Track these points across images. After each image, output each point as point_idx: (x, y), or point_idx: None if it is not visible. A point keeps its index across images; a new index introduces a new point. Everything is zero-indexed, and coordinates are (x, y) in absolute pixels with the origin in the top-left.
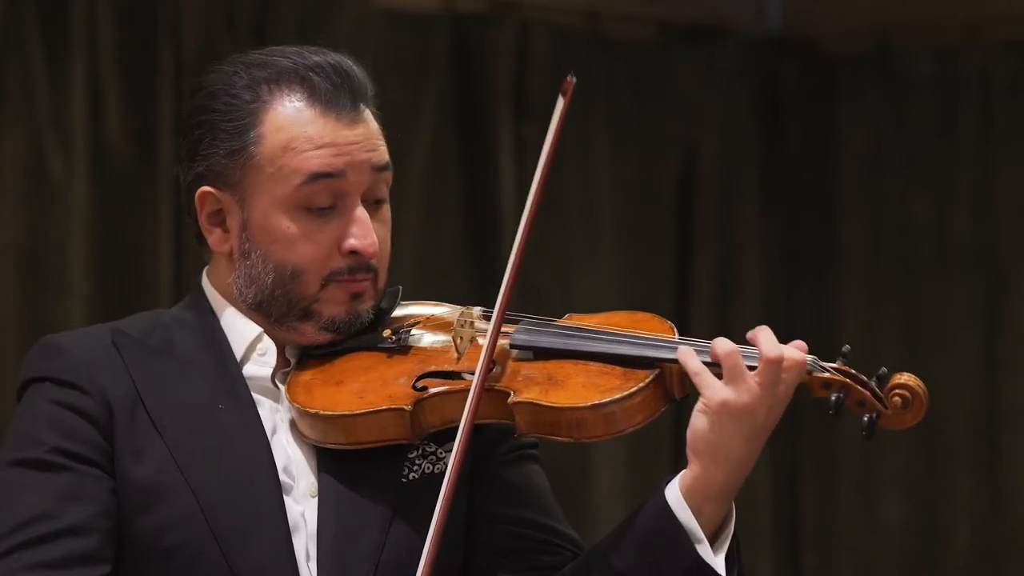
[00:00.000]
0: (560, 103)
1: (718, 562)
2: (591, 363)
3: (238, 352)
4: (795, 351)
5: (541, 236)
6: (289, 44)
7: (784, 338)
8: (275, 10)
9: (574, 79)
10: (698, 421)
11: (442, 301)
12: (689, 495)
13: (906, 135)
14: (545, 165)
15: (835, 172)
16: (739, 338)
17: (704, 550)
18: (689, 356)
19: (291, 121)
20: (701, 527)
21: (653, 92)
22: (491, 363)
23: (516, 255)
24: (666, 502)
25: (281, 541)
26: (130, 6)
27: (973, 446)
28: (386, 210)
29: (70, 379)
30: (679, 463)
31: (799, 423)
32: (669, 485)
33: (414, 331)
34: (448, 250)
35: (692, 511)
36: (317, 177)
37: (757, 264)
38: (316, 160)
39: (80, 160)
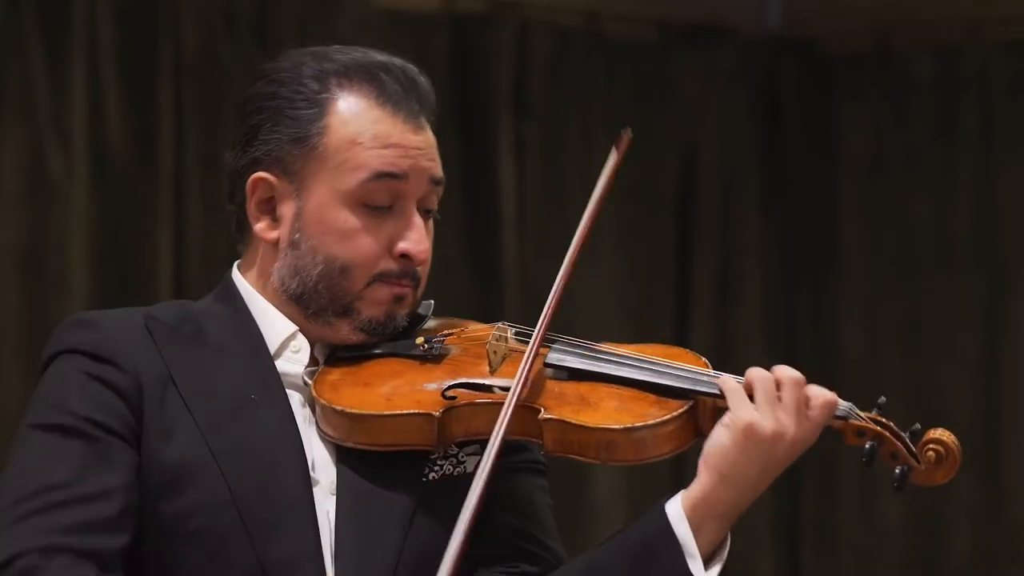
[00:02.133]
0: (613, 155)
1: None
2: (625, 388)
3: (271, 347)
4: (825, 390)
5: (541, 236)
6: (290, 46)
7: (784, 338)
8: (275, 10)
9: (629, 133)
10: (719, 436)
11: (471, 319)
12: (692, 510)
13: (906, 135)
14: (595, 207)
15: (835, 172)
16: (739, 339)
17: (696, 566)
18: (729, 378)
19: (360, 116)
20: (697, 545)
21: (653, 92)
22: (527, 378)
23: (564, 272)
24: (664, 514)
25: (310, 536)
26: (130, 6)
27: (973, 446)
28: (431, 224)
29: (102, 353)
30: (678, 467)
31: (836, 429)
32: (672, 498)
33: (447, 342)
34: (448, 250)
35: (692, 527)
36: (382, 176)
37: (757, 264)
38: (382, 159)
39: (80, 160)
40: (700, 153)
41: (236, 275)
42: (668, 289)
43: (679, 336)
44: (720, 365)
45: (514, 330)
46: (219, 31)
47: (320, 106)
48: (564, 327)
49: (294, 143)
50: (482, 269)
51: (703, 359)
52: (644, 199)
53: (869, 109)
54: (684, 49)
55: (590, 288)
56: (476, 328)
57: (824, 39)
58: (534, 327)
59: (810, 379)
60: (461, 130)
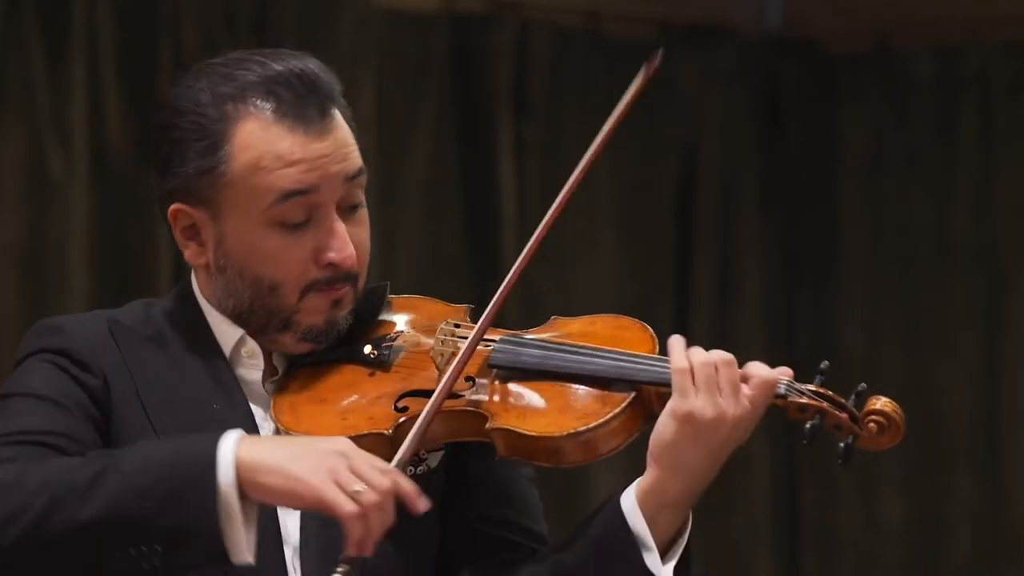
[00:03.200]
0: (641, 74)
1: (666, 571)
2: (569, 385)
3: (226, 351)
4: (762, 369)
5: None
6: (290, 46)
7: (784, 338)
8: (275, 10)
9: (661, 52)
10: (663, 427)
11: (431, 297)
12: (644, 502)
13: (906, 135)
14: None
15: (835, 172)
16: (739, 339)
17: (652, 559)
18: (679, 358)
19: (259, 139)
20: (654, 536)
21: (653, 92)
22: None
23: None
24: (619, 507)
25: (273, 549)
26: (130, 6)
27: (973, 446)
28: (363, 213)
29: (72, 354)
30: None
31: (778, 407)
32: (626, 491)
33: (396, 343)
34: (448, 250)
35: (646, 519)
36: (290, 195)
37: (757, 264)
38: (287, 178)
39: (80, 160)
40: (700, 153)
41: (193, 281)
42: (668, 289)
43: None
44: None
45: (468, 313)
46: (219, 31)
47: (220, 135)
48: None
49: (201, 175)
50: (482, 269)
51: (649, 330)
52: (644, 199)
53: (869, 109)
54: (684, 49)
55: (590, 288)
56: (429, 313)
57: (824, 39)
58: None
59: (810, 379)
60: (461, 130)
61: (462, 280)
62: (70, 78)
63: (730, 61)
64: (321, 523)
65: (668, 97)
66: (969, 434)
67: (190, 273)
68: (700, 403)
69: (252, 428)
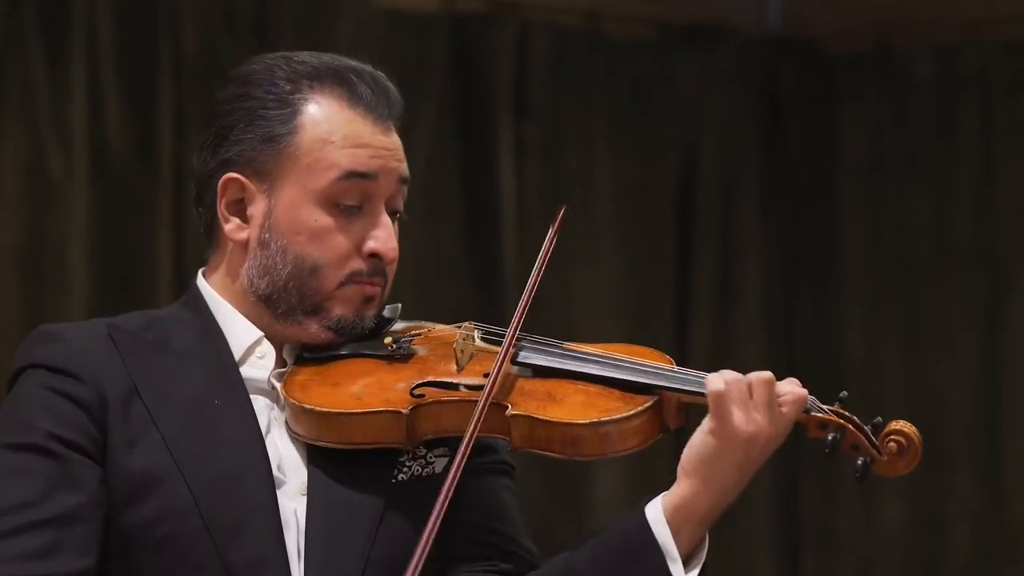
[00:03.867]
0: (551, 230)
1: None
2: (591, 385)
3: (236, 353)
4: (795, 386)
5: (541, 236)
6: (290, 46)
7: (784, 338)
8: (275, 10)
9: (566, 208)
10: (701, 442)
11: (439, 319)
12: (673, 514)
13: (906, 135)
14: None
15: (835, 172)
16: (739, 339)
17: (676, 569)
18: (715, 380)
19: (331, 117)
20: (677, 547)
21: (653, 92)
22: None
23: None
24: (644, 517)
25: (273, 537)
26: (130, 6)
27: (973, 446)
28: (397, 225)
29: (65, 367)
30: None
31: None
32: (651, 502)
33: (415, 342)
34: (448, 250)
35: (671, 530)
36: (352, 175)
37: (757, 264)
38: (353, 158)
39: (80, 160)
40: (700, 153)
41: (201, 281)
42: (668, 289)
43: (679, 336)
44: (720, 365)
45: (480, 331)
46: (219, 31)
47: (292, 106)
48: (565, 328)
49: (266, 143)
50: (482, 269)
51: (668, 357)
52: (644, 199)
53: (869, 109)
54: (684, 49)
55: (590, 288)
56: (442, 329)
57: (824, 39)
58: (502, 327)
59: (810, 379)
60: (461, 130)
61: (462, 280)
62: (70, 78)
63: (730, 61)
64: (327, 510)
65: (668, 97)
66: (969, 434)
67: (192, 275)
68: (738, 421)
69: (253, 421)
